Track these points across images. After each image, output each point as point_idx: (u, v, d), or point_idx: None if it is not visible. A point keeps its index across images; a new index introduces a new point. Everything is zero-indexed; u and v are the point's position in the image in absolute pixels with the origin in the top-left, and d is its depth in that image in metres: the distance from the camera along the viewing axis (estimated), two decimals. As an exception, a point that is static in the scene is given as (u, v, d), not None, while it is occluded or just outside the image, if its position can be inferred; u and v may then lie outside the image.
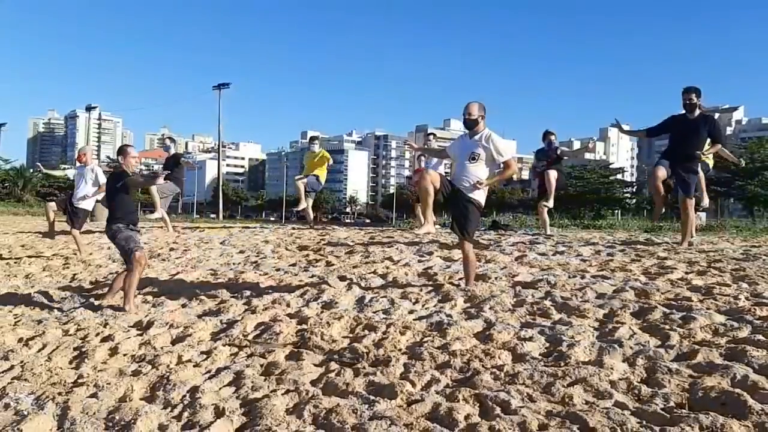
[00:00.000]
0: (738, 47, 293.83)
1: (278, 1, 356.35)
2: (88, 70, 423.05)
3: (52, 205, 11.04)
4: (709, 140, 7.25)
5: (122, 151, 6.37)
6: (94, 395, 3.68)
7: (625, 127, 9.72)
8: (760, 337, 3.77)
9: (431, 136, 10.47)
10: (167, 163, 11.42)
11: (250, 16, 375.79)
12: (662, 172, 7.29)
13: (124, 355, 4.44)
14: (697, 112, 7.20)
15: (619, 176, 74.53)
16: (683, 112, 7.28)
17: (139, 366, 4.16)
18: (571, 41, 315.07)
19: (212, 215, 56.22)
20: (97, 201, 9.40)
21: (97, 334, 4.96)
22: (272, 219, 56.49)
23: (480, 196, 5.51)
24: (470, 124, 5.53)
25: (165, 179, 11.05)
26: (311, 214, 12.45)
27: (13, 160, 62.97)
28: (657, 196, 7.58)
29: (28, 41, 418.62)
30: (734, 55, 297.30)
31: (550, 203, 9.94)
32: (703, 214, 11.39)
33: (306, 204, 11.87)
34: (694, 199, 7.50)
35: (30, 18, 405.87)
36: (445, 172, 7.29)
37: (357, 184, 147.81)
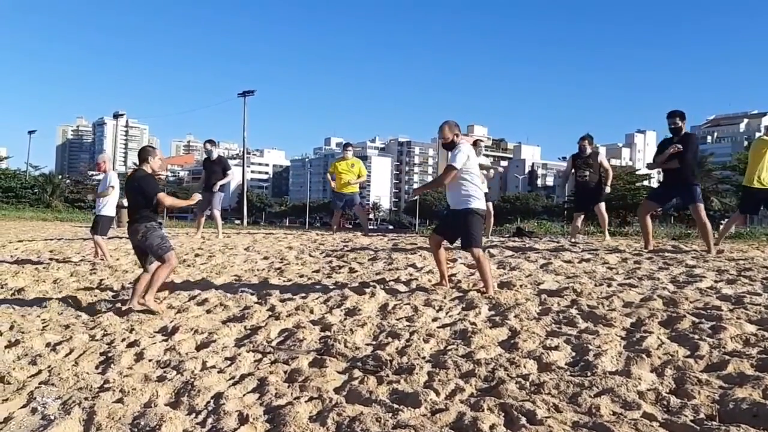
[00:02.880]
0: (765, 50, 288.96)
1: (303, 9, 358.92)
2: (115, 78, 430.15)
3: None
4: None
5: (145, 152, 6.33)
6: (119, 400, 3.70)
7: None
8: (793, 347, 3.68)
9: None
10: (212, 167, 11.36)
11: (275, 24, 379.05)
12: (651, 205, 8.35)
13: (150, 360, 4.47)
14: (683, 132, 7.78)
15: (645, 183, 73.53)
16: (671, 135, 7.87)
17: (164, 371, 4.19)
18: (599, 47, 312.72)
19: (237, 221, 56.64)
20: (121, 207, 9.52)
21: (123, 340, 5.00)
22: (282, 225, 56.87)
23: (474, 203, 5.69)
24: (448, 147, 5.80)
25: (221, 191, 11.19)
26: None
27: (42, 167, 64.09)
28: (644, 229, 8.36)
29: (57, 50, 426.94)
30: (761, 59, 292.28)
31: (607, 237, 10.23)
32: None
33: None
34: (701, 203, 7.74)
35: (59, 27, 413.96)
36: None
37: (380, 190, 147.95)
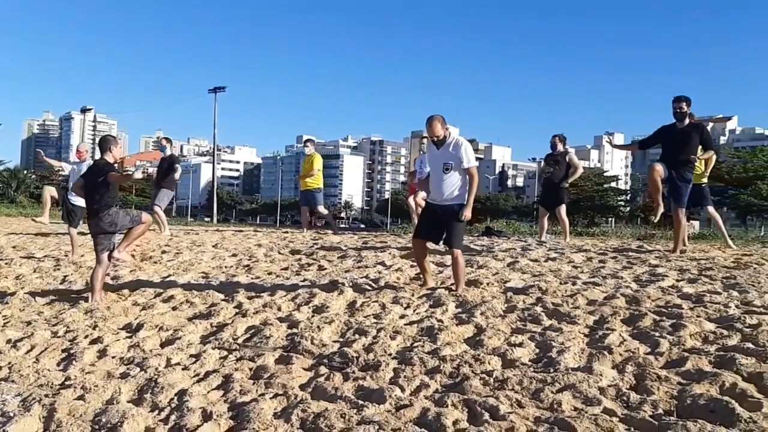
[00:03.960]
0: (733, 58, 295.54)
1: (274, 5, 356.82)
2: (84, 72, 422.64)
3: (51, 189, 10.99)
4: (701, 148, 7.32)
5: (108, 141, 6.34)
6: (81, 397, 3.65)
7: (617, 141, 9.84)
8: (750, 345, 3.78)
9: (424, 140, 10.49)
10: (162, 164, 11.37)
11: (247, 20, 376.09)
12: (661, 168, 7.30)
13: (113, 357, 4.41)
14: (687, 120, 7.29)
15: (613, 184, 74.70)
16: (673, 121, 7.37)
17: (128, 368, 4.14)
18: (566, 49, 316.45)
19: (206, 219, 56.10)
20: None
21: (86, 336, 4.93)
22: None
23: (461, 200, 5.61)
24: (439, 143, 5.68)
25: (163, 186, 11.09)
26: (325, 211, 12.51)
27: (6, 162, 62.75)
28: (656, 194, 7.50)
29: (24, 43, 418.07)
30: (729, 65, 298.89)
31: (568, 238, 10.16)
32: (696, 223, 11.44)
33: (326, 212, 12.13)
34: (684, 207, 7.53)
35: (25, 19, 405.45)
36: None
37: (352, 189, 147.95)
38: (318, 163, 11.87)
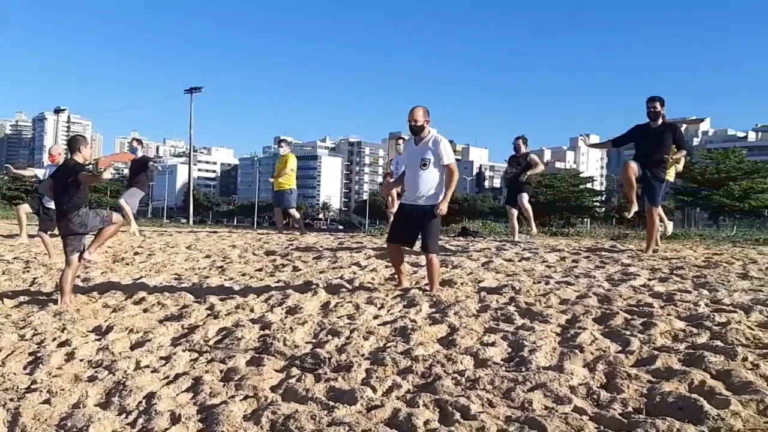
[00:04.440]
0: (705, 62, 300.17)
1: (252, 6, 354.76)
2: (57, 72, 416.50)
3: (25, 207, 10.84)
4: (675, 147, 7.42)
5: (77, 141, 6.25)
6: (47, 401, 3.59)
7: (589, 140, 9.97)
8: (719, 342, 3.82)
9: (401, 141, 10.48)
10: (133, 165, 11.23)
11: (224, 20, 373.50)
12: (635, 166, 7.39)
13: (81, 360, 4.33)
14: (660, 120, 7.38)
15: (588, 185, 75.39)
16: (647, 121, 7.45)
17: (96, 371, 4.07)
18: (542, 52, 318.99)
19: (183, 220, 55.60)
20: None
21: (54, 339, 4.84)
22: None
23: (438, 199, 5.54)
24: (417, 130, 5.57)
25: (134, 185, 10.96)
26: (297, 215, 12.41)
27: (-23, 164, 61.57)
28: (630, 191, 7.59)
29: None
30: (702, 69, 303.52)
31: (534, 230, 10.12)
32: (670, 224, 11.56)
33: (297, 215, 12.03)
34: (658, 207, 7.60)
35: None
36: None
37: (330, 190, 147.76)
38: (291, 163, 11.76)
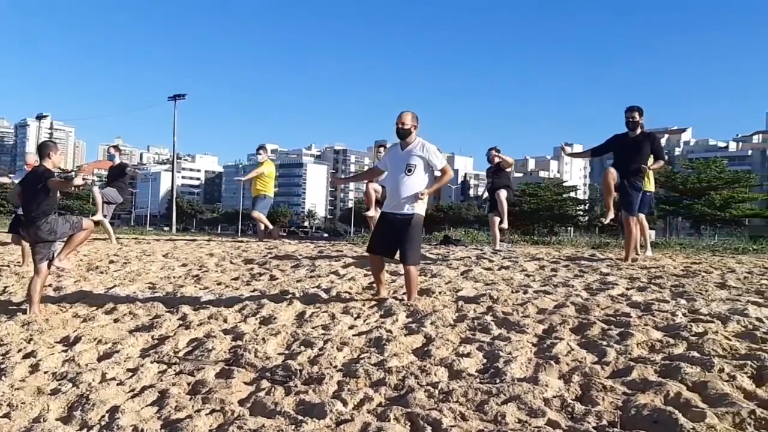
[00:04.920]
0: (686, 71, 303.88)
1: (236, 12, 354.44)
2: (39, 78, 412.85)
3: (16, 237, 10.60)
4: (652, 157, 7.44)
5: (47, 147, 6.13)
6: (6, 415, 3.48)
7: (570, 149, 10.02)
8: (695, 353, 3.77)
9: (382, 149, 10.42)
10: (111, 172, 11.10)
11: (208, 27, 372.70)
12: (615, 172, 7.44)
13: (45, 372, 4.21)
14: (639, 130, 7.40)
15: (572, 194, 75.90)
16: (626, 130, 7.48)
17: (59, 384, 3.96)
18: (526, 61, 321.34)
19: (166, 228, 55.17)
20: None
21: (20, 350, 4.71)
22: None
23: (421, 208, 5.46)
24: (403, 134, 5.45)
25: (113, 187, 10.81)
26: (270, 225, 12.26)
27: (-43, 170, 60.80)
28: (608, 197, 7.63)
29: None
30: (683, 79, 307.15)
31: (505, 224, 10.05)
32: (652, 232, 11.59)
33: (258, 215, 11.78)
34: (635, 216, 7.61)
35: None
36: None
37: (315, 198, 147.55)
38: (265, 167, 11.64)
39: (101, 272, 8.03)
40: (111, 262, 8.84)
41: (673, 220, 63.08)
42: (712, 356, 3.68)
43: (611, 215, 7.56)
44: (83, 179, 6.33)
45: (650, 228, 10.37)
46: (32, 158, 9.46)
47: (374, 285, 6.01)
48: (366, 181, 9.41)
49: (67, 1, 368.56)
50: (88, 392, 3.74)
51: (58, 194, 6.23)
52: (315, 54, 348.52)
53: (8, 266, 8.67)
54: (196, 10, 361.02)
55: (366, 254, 6.18)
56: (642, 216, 8.10)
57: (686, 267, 7.34)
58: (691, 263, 7.83)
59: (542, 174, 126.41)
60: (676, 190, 55.20)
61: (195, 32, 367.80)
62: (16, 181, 9.52)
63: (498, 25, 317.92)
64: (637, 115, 7.34)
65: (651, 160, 7.50)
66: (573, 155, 9.25)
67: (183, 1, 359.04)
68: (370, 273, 7.00)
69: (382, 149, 10.46)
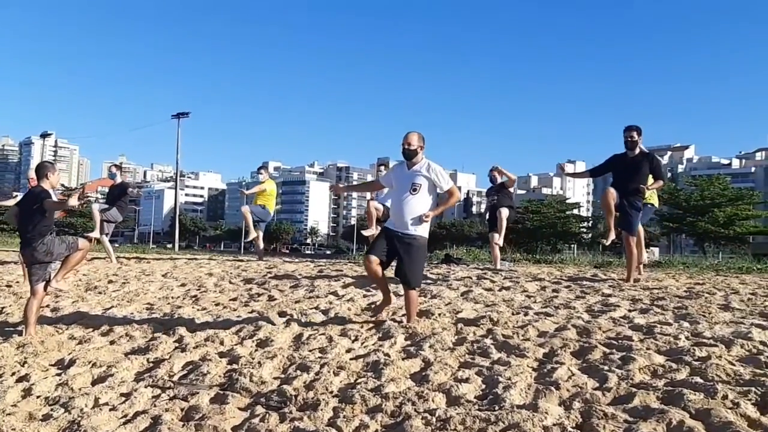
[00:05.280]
0: (689, 88, 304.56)
1: (239, 30, 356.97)
2: (44, 96, 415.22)
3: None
4: (651, 177, 7.40)
5: (45, 168, 6.11)
6: (-5, 443, 3.41)
7: (570, 169, 9.94)
8: (698, 379, 3.69)
9: (382, 167, 10.41)
10: (112, 191, 11.09)
11: (212, 46, 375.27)
12: (614, 192, 7.45)
13: (38, 397, 4.15)
14: (638, 149, 7.39)
15: (575, 211, 75.81)
16: (624, 150, 7.47)
17: (52, 409, 3.89)
18: (529, 78, 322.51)
19: (169, 245, 55.14)
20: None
21: (13, 374, 4.66)
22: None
23: (424, 230, 5.37)
24: (409, 155, 5.38)
25: (112, 206, 10.80)
26: (261, 245, 12.22)
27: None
28: (609, 217, 7.61)
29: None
30: (686, 95, 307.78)
31: (500, 241, 9.93)
32: (656, 250, 11.50)
33: (256, 234, 11.68)
34: (636, 236, 7.57)
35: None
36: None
37: (318, 215, 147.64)
38: (268, 185, 11.77)
39: (99, 292, 7.98)
40: (110, 281, 8.79)
41: (677, 237, 62.85)
42: (715, 382, 3.60)
43: (612, 236, 7.53)
44: (79, 200, 6.29)
45: (654, 245, 10.30)
46: (35, 175, 9.47)
47: (374, 307, 5.92)
48: (366, 193, 9.36)
49: (70, 21, 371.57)
50: (79, 418, 3.67)
51: (57, 214, 6.20)
52: (317, 72, 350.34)
53: (8, 286, 8.61)
54: (199, 31, 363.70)
55: (366, 273, 6.07)
56: (641, 230, 8.02)
57: (689, 288, 7.26)
58: (694, 284, 7.75)
59: (545, 191, 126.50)
60: (679, 207, 55.03)
61: (198, 51, 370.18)
62: (15, 202, 9.50)
63: (500, 42, 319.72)
64: (635, 134, 7.33)
65: (651, 179, 7.45)
66: (571, 175, 9.18)
67: (186, 22, 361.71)
68: (369, 293, 6.96)
69: (383, 168, 10.45)
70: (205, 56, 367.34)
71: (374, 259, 5.39)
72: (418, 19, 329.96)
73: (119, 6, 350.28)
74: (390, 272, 5.70)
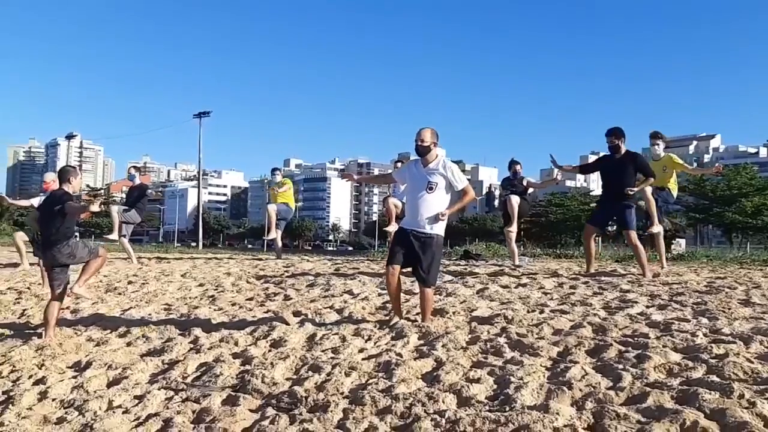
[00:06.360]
0: (715, 76, 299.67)
1: (260, 29, 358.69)
2: (69, 97, 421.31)
3: (21, 234, 10.77)
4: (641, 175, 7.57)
5: (68, 171, 6.17)
6: (9, 446, 3.45)
7: (569, 167, 9.87)
8: (715, 378, 3.61)
9: (398, 164, 10.36)
10: (131, 192, 11.21)
11: (232, 44, 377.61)
12: (591, 230, 8.15)
13: (53, 399, 4.19)
14: (623, 151, 7.53)
15: (599, 203, 74.84)
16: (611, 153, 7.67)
17: (66, 412, 3.93)
18: (552, 70, 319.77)
19: (193, 244, 55.67)
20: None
21: (30, 377, 4.71)
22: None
23: (440, 229, 5.32)
24: (423, 151, 5.30)
25: (132, 208, 10.92)
26: (280, 244, 12.31)
27: (-11, 189, 62.19)
28: (588, 251, 8.31)
29: (8, 69, 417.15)
30: (713, 84, 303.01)
31: (514, 228, 9.79)
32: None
33: (276, 234, 11.76)
34: (634, 229, 7.63)
35: (9, 45, 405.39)
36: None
37: (340, 211, 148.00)
38: (289, 184, 12.06)
39: (119, 293, 8.06)
40: (129, 282, 8.89)
41: (704, 228, 61.86)
42: (732, 381, 3.53)
43: (592, 270, 8.19)
44: (101, 205, 6.37)
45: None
46: (50, 179, 9.56)
47: (390, 308, 5.87)
48: (381, 186, 9.41)
49: (93, 24, 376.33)
50: (92, 421, 3.70)
51: (73, 224, 6.25)
52: (338, 67, 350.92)
53: (29, 288, 8.74)
54: (219, 30, 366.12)
55: (383, 272, 6.04)
56: (660, 230, 8.00)
57: (710, 282, 7.14)
58: (715, 278, 7.61)
59: (568, 183, 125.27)
60: (705, 198, 54.11)
61: (218, 51, 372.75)
62: (35, 203, 9.64)
63: (523, 34, 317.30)
64: (614, 138, 7.52)
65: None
66: (562, 168, 9.03)
67: (206, 23, 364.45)
68: (384, 292, 6.92)
69: (399, 164, 10.41)
70: (225, 56, 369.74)
71: (395, 270, 5.33)
72: (439, 14, 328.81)
73: (142, 8, 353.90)
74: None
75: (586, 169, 8.40)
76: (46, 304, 6.15)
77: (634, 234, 7.55)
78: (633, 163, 7.47)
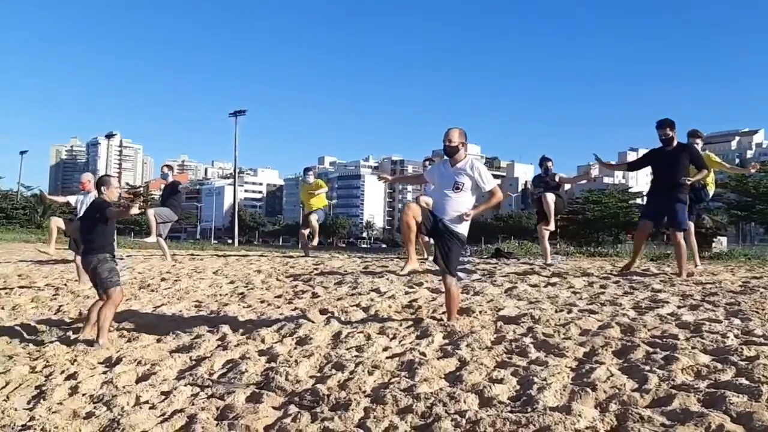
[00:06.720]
0: (759, 70, 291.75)
1: (295, 28, 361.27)
2: (109, 97, 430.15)
3: (58, 219, 10.95)
4: (695, 168, 7.34)
5: (104, 181, 6.30)
6: (39, 440, 3.54)
7: (612, 163, 9.78)
8: (743, 380, 3.52)
9: (427, 164, 10.33)
10: (165, 190, 11.40)
11: (268, 45, 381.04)
12: (648, 226, 7.74)
13: (83, 394, 4.29)
14: (675, 142, 7.26)
15: (638, 200, 73.54)
16: (661, 146, 7.37)
17: (95, 407, 4.02)
18: (590, 66, 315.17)
19: (229, 241, 56.41)
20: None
21: (62, 372, 4.83)
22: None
23: (464, 228, 5.30)
24: (451, 152, 5.30)
25: (166, 206, 11.12)
26: (315, 240, 12.45)
27: (34, 187, 63.84)
28: (637, 247, 8.10)
29: (51, 70, 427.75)
30: (755, 77, 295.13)
31: (552, 226, 9.70)
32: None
33: (314, 240, 12.14)
34: (684, 230, 7.40)
35: (52, 48, 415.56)
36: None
37: (373, 208, 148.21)
38: (323, 186, 12.23)
39: (152, 290, 8.21)
40: (162, 279, 9.04)
41: (746, 226, 60.33)
42: (761, 383, 3.43)
43: (632, 268, 7.95)
44: (140, 209, 6.49)
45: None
46: (86, 178, 9.76)
47: (416, 306, 5.85)
48: (411, 186, 9.43)
49: (131, 26, 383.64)
50: (119, 416, 3.77)
51: (112, 233, 6.34)
52: (372, 65, 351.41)
53: (66, 285, 8.96)
54: (254, 32, 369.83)
55: (401, 273, 6.01)
56: (691, 225, 7.78)
57: (745, 282, 6.95)
58: (751, 277, 7.41)
59: (606, 180, 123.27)
60: (748, 195, 52.73)
61: (254, 52, 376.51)
62: (72, 201, 9.84)
63: (559, 28, 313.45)
64: (668, 130, 7.23)
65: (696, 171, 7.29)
66: (607, 166, 8.89)
67: (241, 23, 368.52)
68: (411, 291, 6.93)
69: (427, 163, 10.40)
70: (261, 56, 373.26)
71: (414, 209, 5.17)
72: (472, 12, 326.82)
73: (180, 13, 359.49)
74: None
75: (634, 165, 8.06)
76: (96, 307, 6.04)
77: (681, 235, 7.33)
78: (686, 155, 7.23)
